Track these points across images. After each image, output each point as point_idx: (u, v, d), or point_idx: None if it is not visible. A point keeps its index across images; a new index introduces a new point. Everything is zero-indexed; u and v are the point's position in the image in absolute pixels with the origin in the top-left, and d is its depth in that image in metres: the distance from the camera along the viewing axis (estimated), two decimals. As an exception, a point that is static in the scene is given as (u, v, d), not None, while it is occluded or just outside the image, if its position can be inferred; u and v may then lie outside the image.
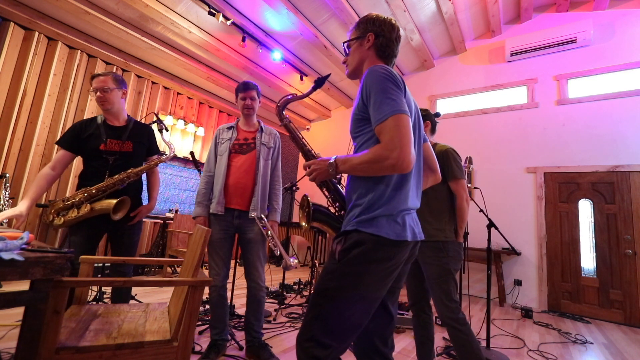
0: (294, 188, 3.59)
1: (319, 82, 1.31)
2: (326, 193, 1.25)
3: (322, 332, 0.96)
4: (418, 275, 1.90)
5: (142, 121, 2.15)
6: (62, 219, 1.77)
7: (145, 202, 2.08)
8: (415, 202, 1.10)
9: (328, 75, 1.33)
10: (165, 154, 2.09)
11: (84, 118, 4.09)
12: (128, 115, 2.05)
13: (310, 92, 1.33)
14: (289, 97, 1.36)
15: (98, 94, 1.86)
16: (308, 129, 7.04)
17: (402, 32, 4.71)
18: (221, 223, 2.00)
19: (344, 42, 1.26)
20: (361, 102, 1.05)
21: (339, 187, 1.25)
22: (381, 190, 1.01)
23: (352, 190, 1.09)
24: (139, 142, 1.99)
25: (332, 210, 1.27)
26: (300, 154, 1.31)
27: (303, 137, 1.37)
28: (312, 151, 1.32)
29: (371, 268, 0.97)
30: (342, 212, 1.22)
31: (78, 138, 1.89)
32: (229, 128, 2.15)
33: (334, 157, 1.08)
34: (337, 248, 1.02)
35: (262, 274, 2.04)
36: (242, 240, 2.05)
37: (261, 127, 2.19)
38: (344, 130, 6.56)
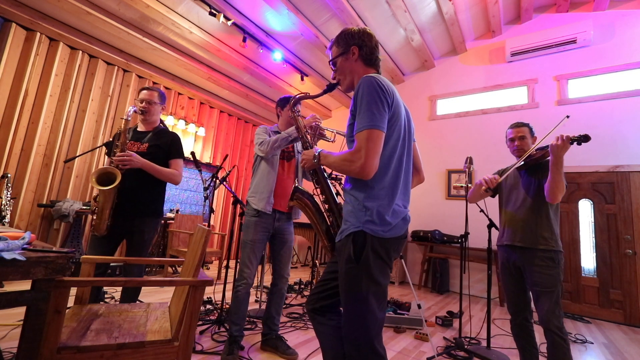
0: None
1: (331, 87, 1.40)
2: (315, 183, 1.38)
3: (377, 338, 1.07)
4: (521, 284, 1.90)
5: (161, 125, 2.25)
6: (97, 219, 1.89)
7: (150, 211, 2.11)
8: (404, 200, 1.19)
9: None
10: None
11: (85, 119, 4.12)
12: (159, 124, 2.21)
13: (322, 94, 1.45)
14: (304, 94, 1.52)
15: (143, 104, 2.08)
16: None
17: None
18: (264, 224, 2.12)
19: (329, 61, 1.34)
20: (354, 109, 1.13)
21: (329, 182, 1.37)
22: (376, 192, 1.10)
23: (350, 191, 1.17)
24: (156, 145, 2.08)
25: (317, 199, 1.42)
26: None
27: (307, 131, 1.57)
28: (310, 142, 1.50)
29: (378, 263, 1.07)
30: (327, 205, 1.36)
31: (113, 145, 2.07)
32: (275, 132, 2.25)
33: (319, 150, 1.26)
34: (350, 249, 1.09)
35: (289, 270, 2.29)
36: (278, 240, 2.23)
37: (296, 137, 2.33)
38: (344, 130, 6.56)
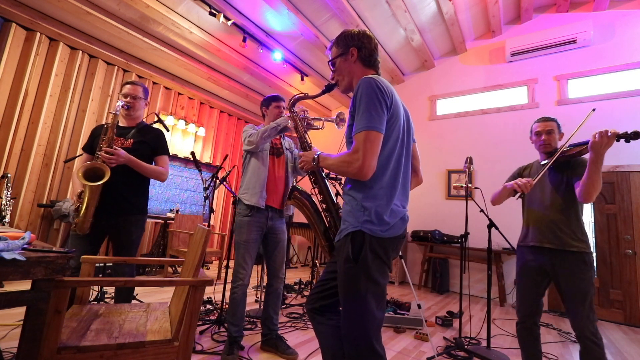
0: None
1: (329, 87, 1.40)
2: (313, 183, 1.38)
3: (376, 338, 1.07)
4: (540, 288, 1.83)
5: (144, 121, 2.19)
6: (79, 214, 1.79)
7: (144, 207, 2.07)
8: (403, 201, 1.19)
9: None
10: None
11: (85, 119, 4.12)
12: (142, 120, 2.16)
13: (320, 95, 1.46)
14: (303, 94, 1.52)
15: (128, 99, 2.03)
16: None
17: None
18: (257, 223, 2.12)
19: (328, 61, 1.35)
20: (353, 110, 1.14)
21: (327, 183, 1.38)
22: (374, 192, 1.11)
23: (349, 192, 1.18)
24: (141, 141, 2.03)
25: (315, 199, 1.43)
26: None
27: (306, 132, 1.54)
28: (309, 143, 1.50)
29: (376, 263, 1.08)
30: (324, 205, 1.36)
31: (92, 140, 2.01)
32: None
33: (318, 153, 1.27)
34: (348, 249, 1.09)
35: (284, 270, 2.29)
36: (271, 240, 2.22)
37: (283, 135, 2.36)
38: (343, 130, 6.56)
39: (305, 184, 6.21)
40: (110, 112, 1.89)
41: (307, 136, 1.53)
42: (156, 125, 2.24)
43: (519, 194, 1.83)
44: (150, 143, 2.06)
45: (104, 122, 1.95)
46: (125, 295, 1.96)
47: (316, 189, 1.39)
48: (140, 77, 4.79)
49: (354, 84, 1.28)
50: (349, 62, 1.27)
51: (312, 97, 1.51)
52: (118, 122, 2.05)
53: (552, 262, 1.76)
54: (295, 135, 1.83)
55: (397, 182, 1.15)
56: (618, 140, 1.54)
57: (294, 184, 1.53)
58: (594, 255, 4.04)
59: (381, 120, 1.07)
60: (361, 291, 1.05)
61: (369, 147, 1.04)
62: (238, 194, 2.19)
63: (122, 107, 1.98)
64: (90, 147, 1.99)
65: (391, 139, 1.13)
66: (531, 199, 1.91)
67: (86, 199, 1.75)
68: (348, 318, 1.08)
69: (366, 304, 1.05)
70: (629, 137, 1.51)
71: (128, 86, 2.06)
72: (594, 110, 1.89)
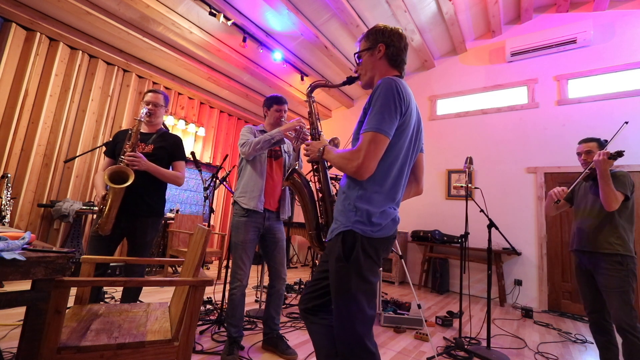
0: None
1: (351, 80, 1.38)
2: (314, 172, 1.39)
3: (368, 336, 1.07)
4: (592, 285, 2.03)
5: (163, 127, 2.28)
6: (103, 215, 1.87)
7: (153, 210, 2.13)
8: (396, 203, 1.19)
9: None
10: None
11: (85, 119, 4.12)
12: (162, 127, 2.25)
13: (341, 85, 1.44)
14: (322, 81, 1.50)
15: (150, 107, 2.11)
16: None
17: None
18: (254, 224, 2.11)
19: (355, 53, 1.33)
20: (368, 106, 1.12)
21: (328, 175, 1.38)
22: (369, 194, 1.11)
23: (344, 190, 1.18)
24: (161, 146, 2.12)
25: (313, 187, 1.44)
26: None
27: (318, 119, 1.52)
28: (319, 131, 1.47)
29: (367, 262, 1.08)
30: (320, 194, 1.37)
31: (114, 145, 2.10)
32: (262, 132, 2.25)
33: (324, 145, 1.28)
34: (340, 248, 1.09)
35: (285, 270, 2.26)
36: (269, 241, 2.20)
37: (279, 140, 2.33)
38: (344, 130, 6.56)
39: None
40: (135, 119, 1.96)
41: (318, 124, 1.52)
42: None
43: (555, 200, 2.17)
44: (169, 149, 2.15)
45: (127, 128, 2.03)
46: (133, 295, 2.01)
47: (316, 178, 1.38)
48: (140, 77, 4.79)
49: (375, 80, 1.26)
50: (374, 57, 1.25)
51: (333, 86, 1.49)
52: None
53: (590, 262, 2.00)
54: (294, 136, 1.82)
55: (393, 190, 1.15)
56: (612, 159, 1.85)
57: (296, 166, 1.51)
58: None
59: (391, 125, 1.06)
60: (352, 290, 1.06)
61: (372, 148, 1.04)
62: (234, 197, 2.18)
63: (145, 114, 2.07)
64: (112, 152, 2.09)
65: (397, 147, 1.12)
66: (577, 208, 2.18)
67: (110, 201, 1.83)
68: (340, 316, 1.08)
69: (358, 302, 1.05)
70: (614, 156, 1.84)
71: (150, 94, 2.15)
72: (626, 123, 2.11)
